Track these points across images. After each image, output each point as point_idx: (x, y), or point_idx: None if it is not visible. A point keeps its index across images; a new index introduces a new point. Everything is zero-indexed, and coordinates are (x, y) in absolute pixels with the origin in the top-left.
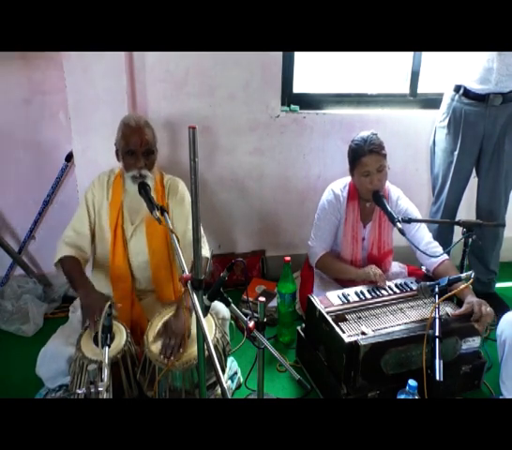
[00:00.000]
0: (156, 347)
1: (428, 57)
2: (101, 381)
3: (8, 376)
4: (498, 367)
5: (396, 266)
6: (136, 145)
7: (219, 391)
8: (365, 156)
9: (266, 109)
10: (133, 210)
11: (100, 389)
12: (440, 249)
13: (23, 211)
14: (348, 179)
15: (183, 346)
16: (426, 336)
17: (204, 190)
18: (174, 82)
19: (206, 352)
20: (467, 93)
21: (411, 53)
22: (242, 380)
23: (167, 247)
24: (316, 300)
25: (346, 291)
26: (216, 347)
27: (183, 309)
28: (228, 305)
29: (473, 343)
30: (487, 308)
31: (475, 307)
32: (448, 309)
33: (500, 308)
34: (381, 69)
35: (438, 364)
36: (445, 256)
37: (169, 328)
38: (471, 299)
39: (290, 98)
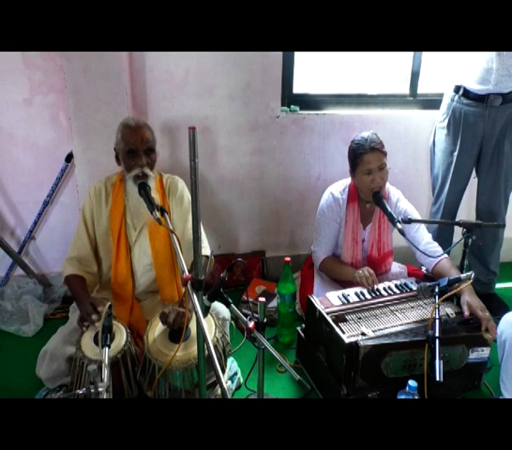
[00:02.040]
0: (155, 346)
1: (428, 58)
2: (101, 381)
3: (8, 376)
4: (498, 368)
5: (395, 267)
6: (137, 144)
7: (219, 391)
8: (366, 153)
9: (266, 109)
10: (135, 215)
11: (100, 389)
12: (439, 249)
13: (23, 211)
14: (347, 181)
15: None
16: (426, 336)
17: (204, 191)
18: (174, 83)
19: (206, 352)
20: (467, 93)
21: (411, 54)
22: (242, 380)
23: (170, 247)
24: (316, 300)
25: (346, 291)
26: (216, 347)
27: (185, 307)
28: (228, 305)
29: (481, 353)
30: (486, 313)
31: (479, 314)
32: (448, 310)
33: (500, 309)
34: (381, 70)
35: (438, 364)
36: (444, 255)
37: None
38: (466, 299)
39: (290, 99)
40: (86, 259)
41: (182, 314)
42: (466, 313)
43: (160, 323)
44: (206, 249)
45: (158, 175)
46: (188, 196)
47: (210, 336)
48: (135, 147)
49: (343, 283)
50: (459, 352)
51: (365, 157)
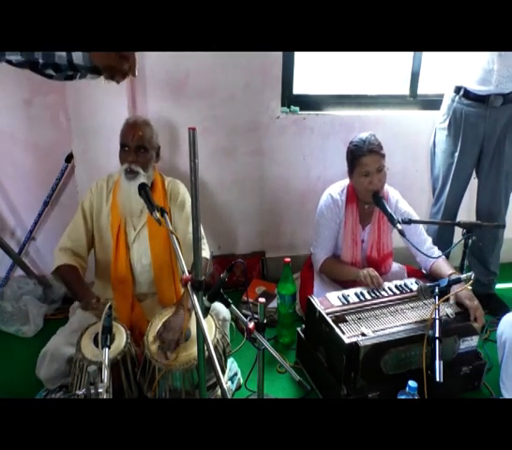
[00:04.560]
0: (155, 347)
1: (428, 58)
2: (101, 382)
3: (8, 377)
4: (498, 368)
5: (395, 267)
6: (128, 139)
7: (219, 392)
8: (364, 156)
9: (266, 110)
10: (135, 214)
11: (100, 390)
12: (439, 253)
13: (23, 212)
14: (345, 182)
15: (180, 342)
16: (426, 337)
17: (204, 191)
18: (174, 84)
19: (206, 353)
20: (467, 94)
21: (411, 54)
22: (242, 381)
23: (169, 249)
24: (316, 301)
25: (346, 292)
26: (216, 348)
27: (184, 309)
28: (228, 306)
29: (471, 342)
30: (475, 302)
31: (467, 303)
32: (448, 311)
33: (500, 309)
34: (381, 70)
35: (438, 365)
36: (441, 255)
37: (167, 324)
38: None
39: (290, 99)
40: (80, 252)
41: (179, 330)
42: (451, 302)
43: (161, 324)
44: (206, 253)
45: (159, 178)
46: (189, 200)
47: (210, 337)
48: (126, 142)
49: (343, 284)
50: (450, 343)
51: (363, 159)
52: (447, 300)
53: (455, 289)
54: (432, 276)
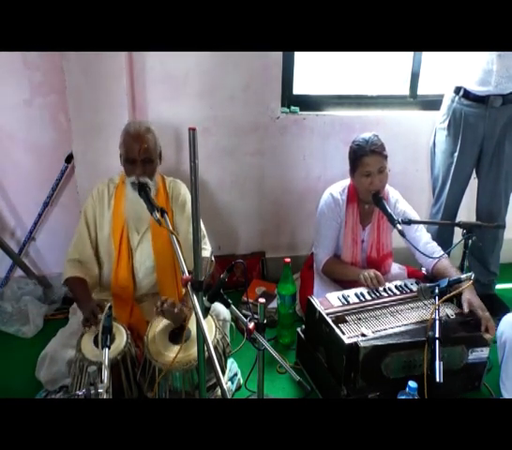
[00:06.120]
0: (155, 347)
1: (428, 59)
2: (101, 382)
3: (8, 377)
4: (498, 369)
5: (395, 268)
6: (134, 153)
7: (219, 392)
8: (366, 156)
9: (266, 110)
10: (138, 218)
11: (100, 390)
12: (438, 249)
13: (23, 212)
14: (346, 182)
15: (177, 312)
16: (426, 337)
17: (205, 192)
18: (174, 84)
19: (206, 354)
20: (467, 94)
21: (411, 54)
22: (242, 381)
23: (172, 250)
24: (316, 301)
25: (346, 292)
26: (216, 348)
27: (186, 307)
28: (228, 306)
29: (480, 353)
30: (487, 313)
31: (479, 313)
32: (448, 311)
33: (500, 310)
34: (381, 71)
35: (438, 365)
36: (443, 254)
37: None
38: (467, 297)
39: (290, 100)
40: (88, 261)
41: (179, 306)
42: (466, 310)
43: (161, 324)
44: (207, 252)
45: (160, 180)
46: (190, 200)
47: (210, 337)
48: (132, 156)
49: (344, 284)
50: (458, 352)
51: (364, 159)
52: (449, 302)
53: (463, 286)
54: (435, 275)
